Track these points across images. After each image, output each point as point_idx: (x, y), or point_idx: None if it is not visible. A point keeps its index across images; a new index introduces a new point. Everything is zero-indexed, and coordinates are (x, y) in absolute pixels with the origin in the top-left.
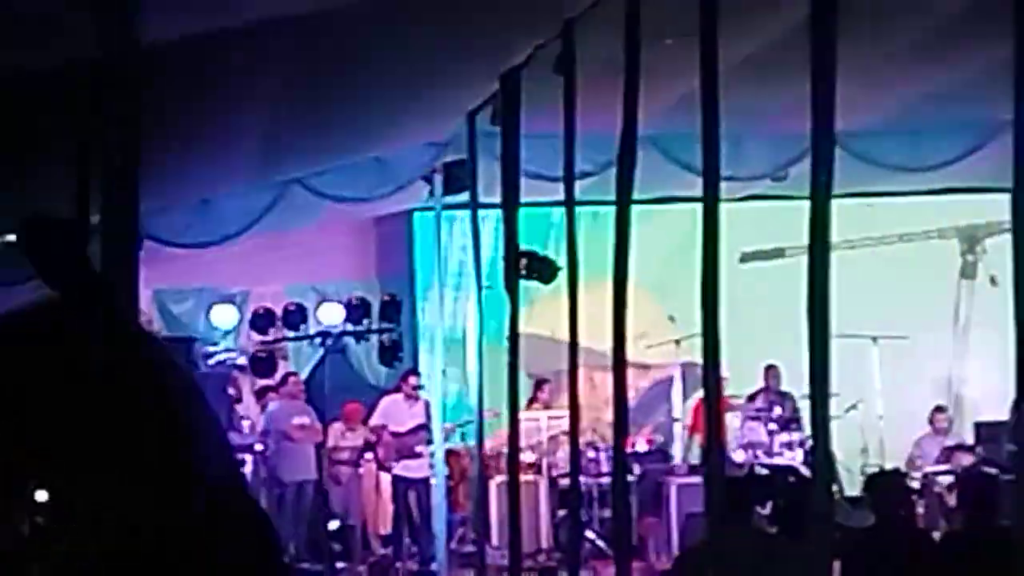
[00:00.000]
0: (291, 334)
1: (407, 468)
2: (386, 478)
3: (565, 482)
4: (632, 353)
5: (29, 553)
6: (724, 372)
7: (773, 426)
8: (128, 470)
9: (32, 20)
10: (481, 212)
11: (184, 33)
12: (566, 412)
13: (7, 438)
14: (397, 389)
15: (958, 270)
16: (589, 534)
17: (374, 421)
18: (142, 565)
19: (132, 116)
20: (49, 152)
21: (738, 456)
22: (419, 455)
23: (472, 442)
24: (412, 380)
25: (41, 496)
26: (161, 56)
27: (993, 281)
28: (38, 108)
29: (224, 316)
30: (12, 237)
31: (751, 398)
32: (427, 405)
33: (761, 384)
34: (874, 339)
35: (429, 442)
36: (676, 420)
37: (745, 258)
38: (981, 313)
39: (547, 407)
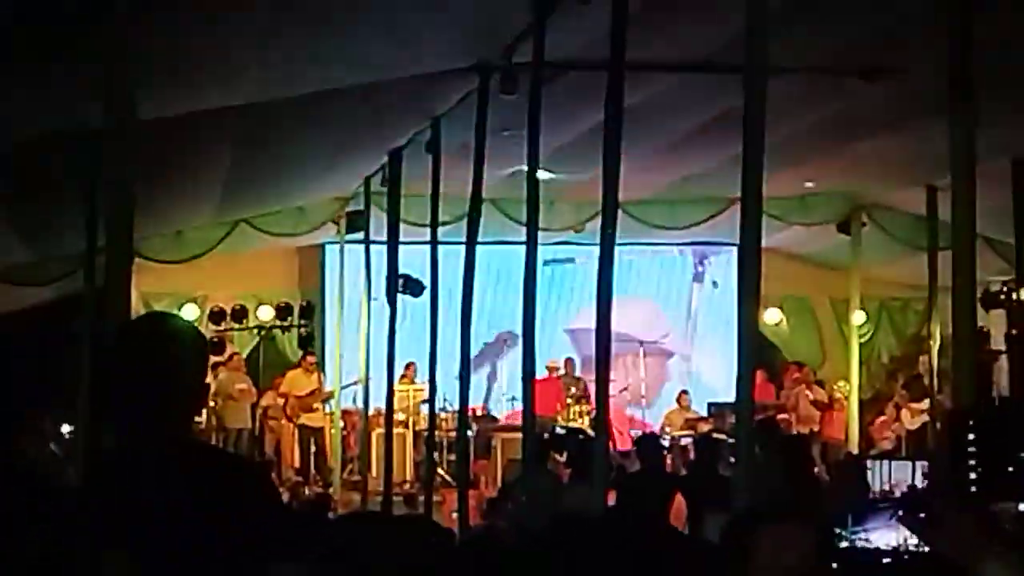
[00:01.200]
0: (236, 326)
1: (309, 419)
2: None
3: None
4: None
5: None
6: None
7: (569, 400)
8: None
9: (55, 99)
10: (375, 247)
11: (166, 114)
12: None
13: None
14: (297, 365)
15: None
16: (440, 471)
17: (282, 389)
18: None
19: (130, 170)
20: (62, 196)
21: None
22: (315, 410)
23: (361, 405)
24: (308, 359)
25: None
26: (151, 128)
27: (715, 284)
28: (60, 164)
29: (189, 312)
30: None
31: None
32: (319, 376)
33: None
34: (641, 342)
35: (326, 402)
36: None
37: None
38: (707, 309)
39: (412, 382)
